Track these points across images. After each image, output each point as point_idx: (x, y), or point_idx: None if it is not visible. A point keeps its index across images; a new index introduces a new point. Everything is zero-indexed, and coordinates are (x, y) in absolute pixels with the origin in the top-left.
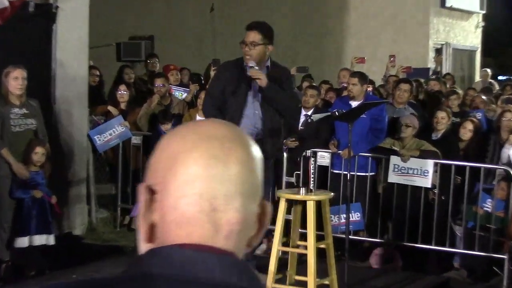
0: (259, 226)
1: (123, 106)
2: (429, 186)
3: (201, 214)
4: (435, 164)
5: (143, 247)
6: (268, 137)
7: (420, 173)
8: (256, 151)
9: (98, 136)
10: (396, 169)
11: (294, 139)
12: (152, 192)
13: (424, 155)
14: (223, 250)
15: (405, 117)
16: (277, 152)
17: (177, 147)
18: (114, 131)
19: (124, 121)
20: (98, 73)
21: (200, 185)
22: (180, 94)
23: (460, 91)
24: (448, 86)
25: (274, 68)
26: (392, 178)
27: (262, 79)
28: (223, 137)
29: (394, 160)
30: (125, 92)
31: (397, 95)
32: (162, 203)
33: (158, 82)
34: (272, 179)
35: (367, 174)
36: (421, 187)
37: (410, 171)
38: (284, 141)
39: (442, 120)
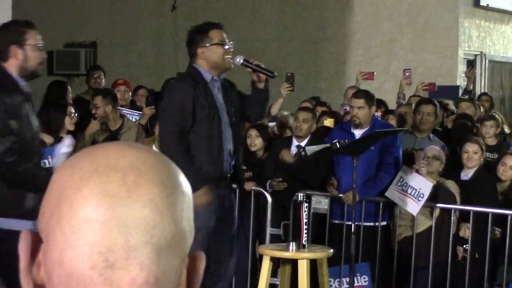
0: (188, 287)
1: (63, 133)
2: (414, 214)
3: (94, 272)
4: (454, 212)
5: None
6: (239, 164)
7: (416, 195)
8: (180, 186)
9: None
10: (399, 183)
11: (280, 179)
12: (39, 241)
13: (438, 191)
14: None
15: (432, 147)
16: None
17: (65, 182)
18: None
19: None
20: None
21: (90, 233)
22: (134, 119)
23: (499, 117)
24: (482, 110)
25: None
26: (391, 192)
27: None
28: (127, 167)
29: (403, 171)
30: (74, 116)
31: (419, 120)
32: (46, 257)
33: (94, 102)
34: (252, 227)
35: (377, 224)
36: (446, 242)
37: (409, 190)
38: (269, 181)
39: (475, 155)
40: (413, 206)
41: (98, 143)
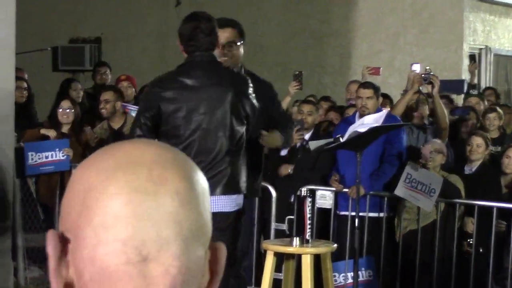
0: (211, 276)
1: (66, 129)
2: (428, 210)
3: (128, 266)
4: (459, 206)
5: None
6: None
7: (427, 190)
8: (200, 179)
9: (33, 153)
10: (407, 180)
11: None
12: (65, 241)
13: (446, 187)
14: None
15: (434, 141)
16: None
17: (89, 180)
18: (53, 156)
19: (68, 148)
20: (25, 85)
21: (122, 228)
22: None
23: (501, 110)
24: (486, 104)
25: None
26: (400, 190)
27: None
28: (151, 162)
29: (410, 168)
30: (68, 110)
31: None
32: (76, 256)
33: (104, 97)
34: (258, 224)
35: (381, 215)
36: (451, 236)
37: (419, 187)
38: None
39: (478, 148)
40: (426, 202)
41: (108, 142)
